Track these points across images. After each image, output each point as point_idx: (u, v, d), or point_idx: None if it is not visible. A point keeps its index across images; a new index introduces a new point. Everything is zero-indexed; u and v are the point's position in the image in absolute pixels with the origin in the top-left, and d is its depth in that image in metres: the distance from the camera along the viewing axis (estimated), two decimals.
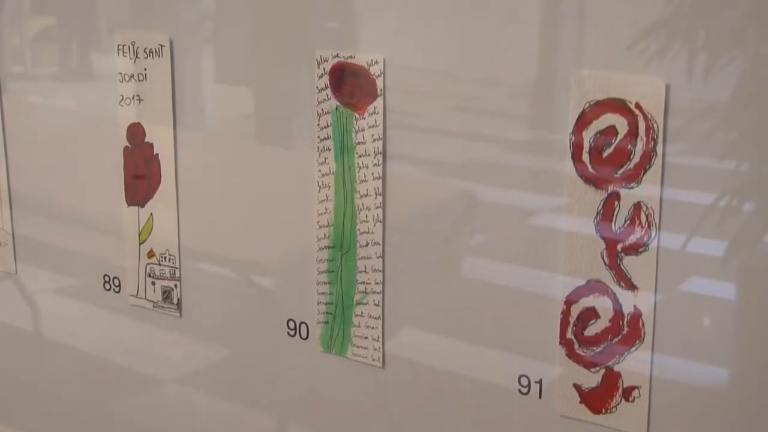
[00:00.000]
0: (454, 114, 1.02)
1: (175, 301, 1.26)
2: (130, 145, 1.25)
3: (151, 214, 1.26)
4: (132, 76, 1.22)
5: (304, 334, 1.15)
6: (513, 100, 0.98)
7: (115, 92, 1.25)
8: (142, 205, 1.26)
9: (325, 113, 1.08)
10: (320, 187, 1.10)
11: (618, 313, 0.92)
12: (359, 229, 1.08)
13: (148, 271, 1.27)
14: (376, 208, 1.06)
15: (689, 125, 0.86)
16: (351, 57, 1.05)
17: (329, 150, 1.08)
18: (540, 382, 0.99)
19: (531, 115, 0.97)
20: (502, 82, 0.98)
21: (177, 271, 1.25)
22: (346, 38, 1.08)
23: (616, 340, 0.93)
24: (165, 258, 1.26)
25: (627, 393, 0.93)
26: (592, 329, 0.94)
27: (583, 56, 0.92)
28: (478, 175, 1.01)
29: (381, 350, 1.09)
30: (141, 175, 1.24)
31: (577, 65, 0.91)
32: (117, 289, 1.32)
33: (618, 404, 0.94)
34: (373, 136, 1.05)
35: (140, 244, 1.27)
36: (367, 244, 1.08)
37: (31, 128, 1.39)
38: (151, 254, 1.27)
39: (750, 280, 0.87)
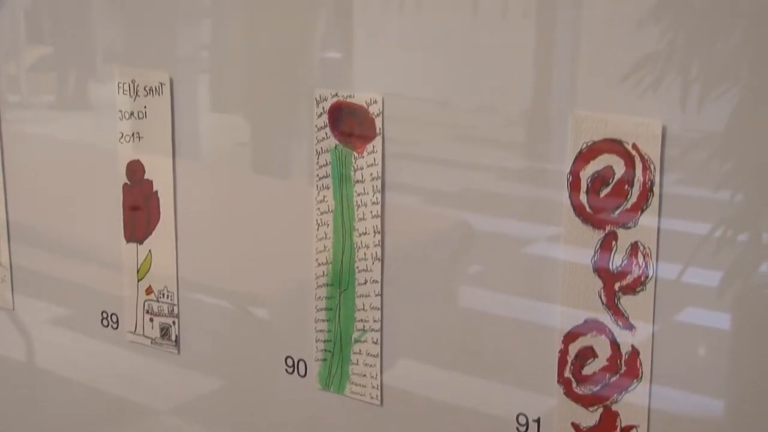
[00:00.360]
0: (451, 143, 1.03)
1: (174, 337, 1.26)
2: (129, 182, 1.26)
3: (150, 250, 1.26)
4: (132, 113, 1.23)
5: (302, 372, 1.15)
6: (509, 128, 0.98)
7: (113, 122, 1.25)
8: (140, 241, 1.27)
9: (324, 151, 1.08)
10: (319, 225, 1.10)
11: (616, 352, 0.93)
12: (358, 267, 1.08)
13: (146, 307, 1.28)
14: (375, 246, 1.06)
15: (684, 155, 0.87)
16: (350, 96, 1.06)
17: (328, 188, 1.09)
18: (538, 420, 0.99)
19: (527, 144, 0.98)
20: (498, 110, 0.98)
21: (175, 307, 1.25)
22: (344, 77, 1.09)
23: (613, 379, 0.93)
24: (163, 294, 1.26)
25: None
26: (590, 368, 0.95)
27: (577, 86, 0.93)
28: (474, 205, 1.01)
29: (379, 388, 1.09)
30: (138, 206, 1.25)
31: (572, 95, 0.93)
32: (115, 326, 1.32)
33: None
34: (371, 174, 1.05)
35: (139, 280, 1.28)
36: (365, 282, 1.08)
37: (29, 158, 1.40)
38: (149, 291, 1.27)
39: (746, 311, 0.87)
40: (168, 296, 1.26)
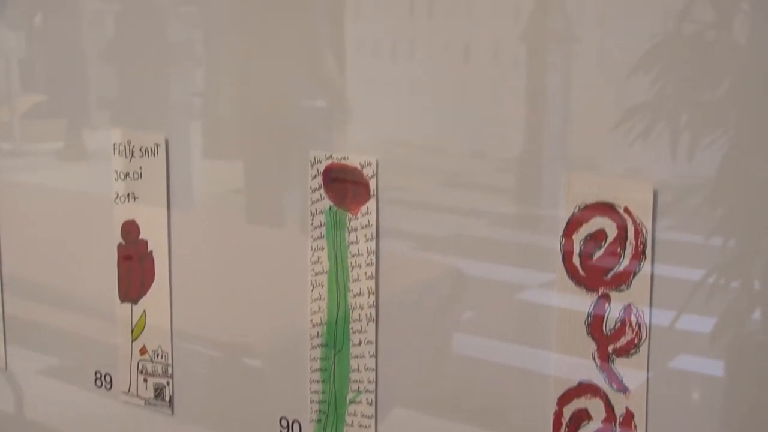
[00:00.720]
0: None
1: (168, 398, 1.26)
2: (124, 242, 1.26)
3: (145, 310, 1.26)
4: (127, 174, 1.24)
5: None
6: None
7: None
8: (135, 301, 1.27)
9: (319, 213, 1.09)
10: (313, 286, 1.11)
11: (610, 414, 0.93)
12: (352, 328, 1.08)
13: (140, 367, 1.27)
14: (369, 307, 1.07)
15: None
16: (344, 158, 1.07)
17: (323, 249, 1.09)
18: None
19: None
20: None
21: (170, 367, 1.25)
22: (339, 139, 1.10)
23: None
24: (158, 355, 1.26)
25: None
26: (585, 431, 0.95)
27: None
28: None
29: None
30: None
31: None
32: (108, 386, 1.31)
33: None
34: (366, 236, 1.06)
35: (133, 340, 1.28)
36: (360, 343, 1.08)
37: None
38: (143, 351, 1.27)
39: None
40: (162, 356, 1.25)
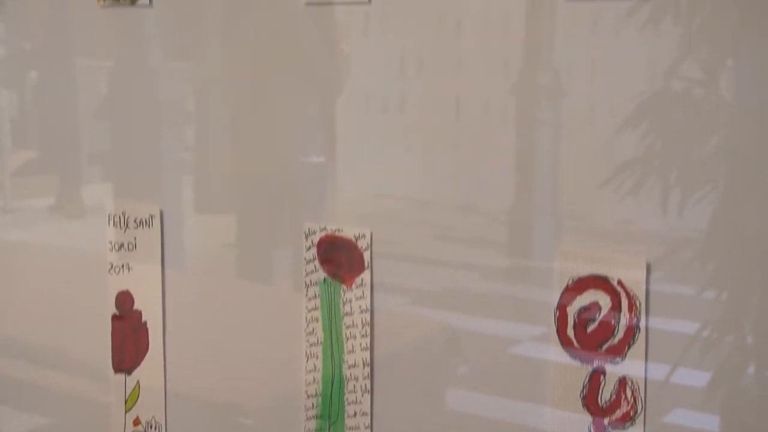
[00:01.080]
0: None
1: None
2: (118, 313, 1.26)
3: (138, 381, 1.26)
4: (122, 245, 1.24)
5: None
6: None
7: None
8: (129, 372, 1.26)
9: (313, 284, 1.10)
10: (308, 357, 1.11)
11: None
12: (347, 400, 1.08)
13: None
14: (364, 378, 1.07)
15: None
16: (339, 230, 1.07)
17: (317, 321, 1.10)
18: None
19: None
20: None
21: None
22: (333, 210, 1.11)
23: None
24: (151, 426, 1.25)
25: None
26: None
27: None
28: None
29: None
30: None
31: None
32: None
33: None
34: (360, 307, 1.06)
35: (126, 411, 1.27)
36: (354, 414, 1.08)
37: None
38: (137, 422, 1.26)
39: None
40: (156, 427, 1.25)
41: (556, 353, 0.94)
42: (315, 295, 1.10)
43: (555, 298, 0.94)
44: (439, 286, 1.04)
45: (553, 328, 0.94)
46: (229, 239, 1.20)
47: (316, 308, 1.10)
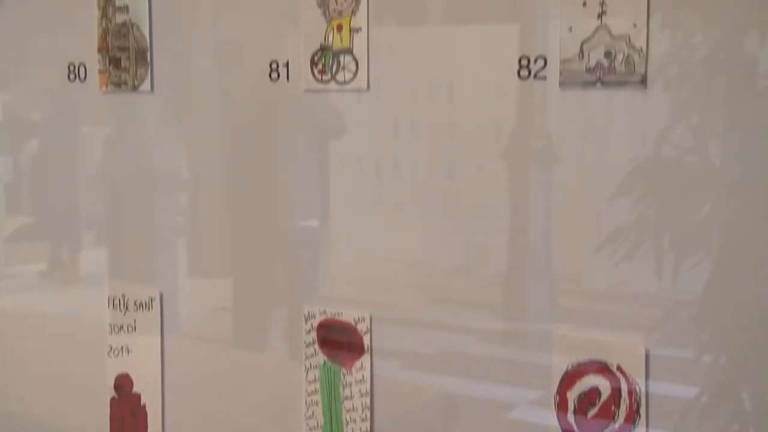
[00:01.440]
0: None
1: None
2: (117, 396, 1.26)
3: None
4: (121, 327, 1.25)
5: None
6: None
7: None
8: None
9: (313, 367, 1.10)
10: None
11: None
12: None
13: None
14: None
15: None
16: (338, 314, 1.08)
17: (317, 405, 1.09)
18: None
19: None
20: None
21: None
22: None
23: None
24: None
25: None
26: None
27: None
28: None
29: None
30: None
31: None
32: None
33: None
34: (360, 391, 1.06)
35: None
36: None
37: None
38: None
39: None
40: None
41: None
42: (315, 379, 1.10)
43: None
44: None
45: (554, 415, 0.94)
46: (228, 314, 1.20)
47: (316, 392, 1.10)
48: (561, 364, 0.93)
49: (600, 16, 0.88)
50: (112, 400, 1.26)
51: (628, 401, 0.90)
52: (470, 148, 0.99)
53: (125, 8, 1.18)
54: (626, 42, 0.87)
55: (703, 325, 0.87)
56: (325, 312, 1.08)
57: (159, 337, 1.23)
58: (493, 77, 0.96)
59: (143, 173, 1.24)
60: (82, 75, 1.24)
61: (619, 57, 0.88)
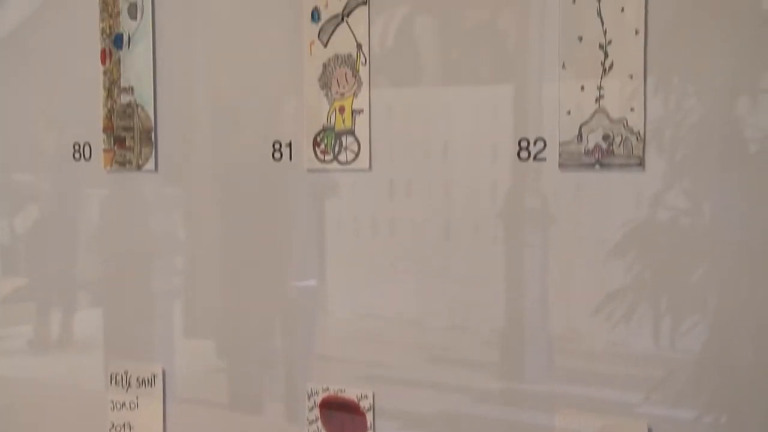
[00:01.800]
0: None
1: None
2: None
3: None
4: (123, 404, 1.25)
5: None
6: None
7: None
8: None
9: None
10: None
11: None
12: None
13: None
14: None
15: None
16: (341, 391, 1.08)
17: None
18: None
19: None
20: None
21: None
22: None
23: None
24: None
25: None
26: None
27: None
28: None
29: None
30: None
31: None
32: None
33: None
34: None
35: None
36: None
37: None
38: None
39: None
40: None
41: None
42: None
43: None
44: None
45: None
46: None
47: None
48: None
49: (598, 100, 0.90)
50: None
51: None
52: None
53: (130, 89, 1.21)
54: (624, 125, 0.89)
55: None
56: (327, 389, 1.09)
57: (161, 413, 1.23)
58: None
59: (145, 248, 1.25)
60: (87, 154, 1.26)
61: (617, 140, 0.89)
